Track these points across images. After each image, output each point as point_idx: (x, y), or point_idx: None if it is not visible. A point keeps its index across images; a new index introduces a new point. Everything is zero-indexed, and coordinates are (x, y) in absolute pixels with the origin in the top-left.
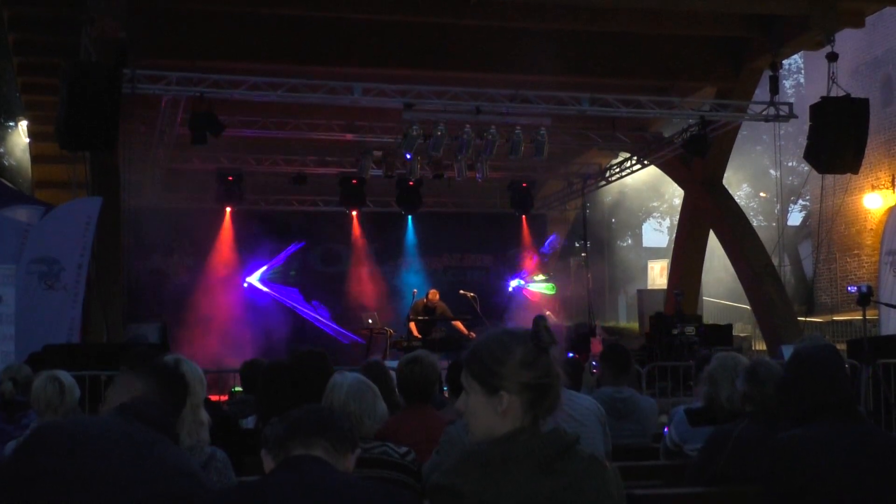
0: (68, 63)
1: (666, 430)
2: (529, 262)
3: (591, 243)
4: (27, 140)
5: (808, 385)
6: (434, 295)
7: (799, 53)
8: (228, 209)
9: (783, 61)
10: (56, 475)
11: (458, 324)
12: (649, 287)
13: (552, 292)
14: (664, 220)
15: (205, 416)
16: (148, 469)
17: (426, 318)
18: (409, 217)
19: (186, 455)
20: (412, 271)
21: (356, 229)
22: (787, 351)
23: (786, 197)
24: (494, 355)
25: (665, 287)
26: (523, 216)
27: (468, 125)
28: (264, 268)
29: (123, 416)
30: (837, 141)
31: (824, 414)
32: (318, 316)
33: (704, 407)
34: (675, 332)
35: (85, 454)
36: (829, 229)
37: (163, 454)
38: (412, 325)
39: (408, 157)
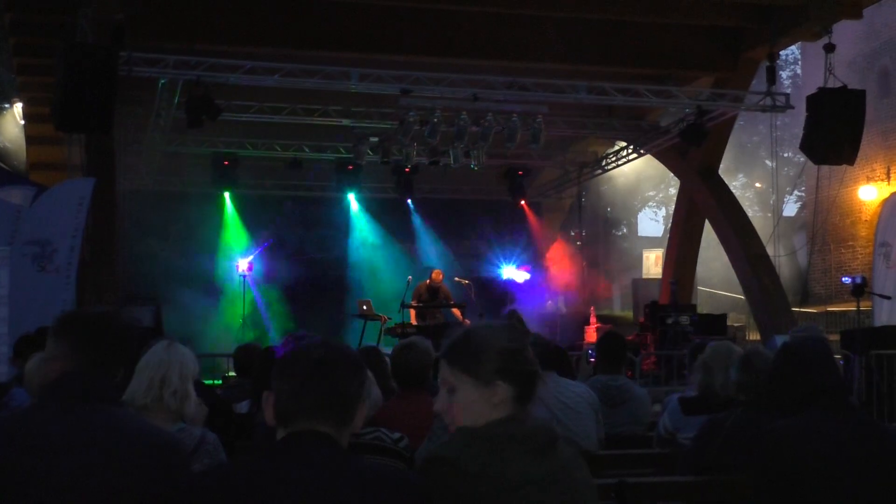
0: (65, 44)
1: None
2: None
3: (586, 232)
4: (22, 122)
5: (797, 375)
6: (438, 275)
7: (796, 44)
8: (224, 193)
9: (780, 52)
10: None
11: (456, 311)
12: (644, 276)
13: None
14: (660, 209)
15: (191, 407)
16: (96, 444)
17: (427, 301)
18: (405, 204)
19: (136, 418)
20: (407, 258)
21: (351, 215)
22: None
23: (781, 187)
24: (484, 347)
25: (660, 276)
26: (518, 204)
27: (465, 112)
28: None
29: (49, 400)
30: (834, 132)
31: (815, 404)
32: None
33: (698, 395)
34: (670, 321)
35: (21, 457)
36: (824, 220)
37: (107, 424)
38: (412, 313)
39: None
